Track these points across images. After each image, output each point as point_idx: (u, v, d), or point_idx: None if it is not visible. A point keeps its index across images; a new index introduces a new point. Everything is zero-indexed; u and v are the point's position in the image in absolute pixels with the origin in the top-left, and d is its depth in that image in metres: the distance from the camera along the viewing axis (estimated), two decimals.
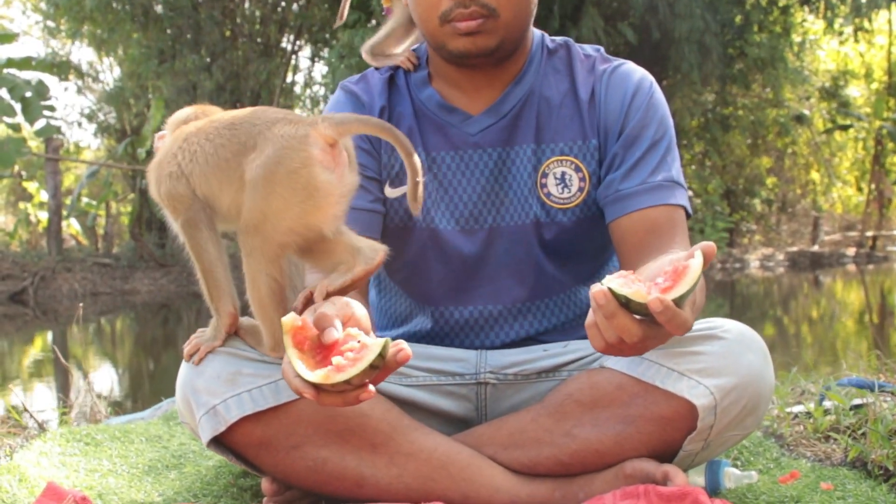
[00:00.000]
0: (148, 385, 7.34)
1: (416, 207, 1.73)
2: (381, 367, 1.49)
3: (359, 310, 1.63)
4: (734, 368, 1.77)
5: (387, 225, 2.11)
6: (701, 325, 1.82)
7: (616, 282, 1.50)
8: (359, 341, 1.52)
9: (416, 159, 1.69)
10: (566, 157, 2.06)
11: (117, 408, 3.75)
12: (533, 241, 2.08)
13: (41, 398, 6.36)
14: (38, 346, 9.67)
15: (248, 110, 1.76)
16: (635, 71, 2.11)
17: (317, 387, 1.48)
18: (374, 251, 1.73)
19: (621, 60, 2.14)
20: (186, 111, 1.91)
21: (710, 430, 1.78)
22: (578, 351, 2.01)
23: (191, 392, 1.82)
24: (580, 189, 2.06)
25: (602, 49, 2.16)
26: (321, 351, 1.53)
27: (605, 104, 2.07)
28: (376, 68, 2.20)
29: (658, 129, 2.04)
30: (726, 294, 13.80)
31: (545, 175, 2.07)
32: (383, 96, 2.14)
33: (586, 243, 2.12)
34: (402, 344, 1.52)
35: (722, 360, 1.77)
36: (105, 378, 7.74)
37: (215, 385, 1.80)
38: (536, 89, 2.10)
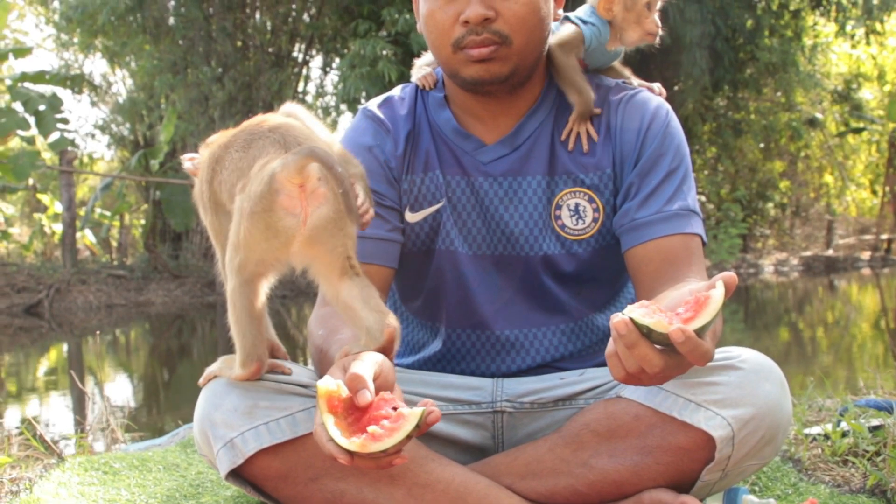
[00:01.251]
0: (164, 395, 7.36)
1: (353, 218, 1.64)
2: (414, 435, 1.50)
3: (386, 365, 1.63)
4: (751, 399, 1.76)
5: (409, 250, 2.12)
6: (717, 354, 1.81)
7: (637, 312, 1.49)
8: (394, 408, 1.53)
9: (339, 173, 1.60)
10: (579, 188, 2.07)
11: (133, 422, 3.75)
12: (547, 271, 2.09)
13: (57, 412, 6.38)
14: (54, 358, 9.70)
15: (267, 127, 1.74)
16: (651, 99, 2.11)
17: (350, 451, 1.48)
18: (380, 330, 1.70)
19: (638, 89, 2.14)
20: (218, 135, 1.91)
21: (728, 460, 1.78)
22: (595, 379, 2.01)
23: (208, 425, 1.82)
24: (594, 220, 2.06)
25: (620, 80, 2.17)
26: (353, 412, 1.53)
27: (621, 133, 2.07)
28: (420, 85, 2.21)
29: (674, 157, 2.04)
30: (741, 300, 13.74)
31: (559, 207, 2.07)
32: (409, 121, 2.15)
33: (602, 271, 2.12)
34: (432, 405, 1.53)
35: (739, 391, 1.77)
36: (121, 390, 7.76)
37: (232, 418, 1.80)
38: (551, 120, 2.10)
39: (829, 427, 2.54)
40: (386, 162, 2.11)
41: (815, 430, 2.60)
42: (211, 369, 1.88)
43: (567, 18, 2.15)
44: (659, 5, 2.11)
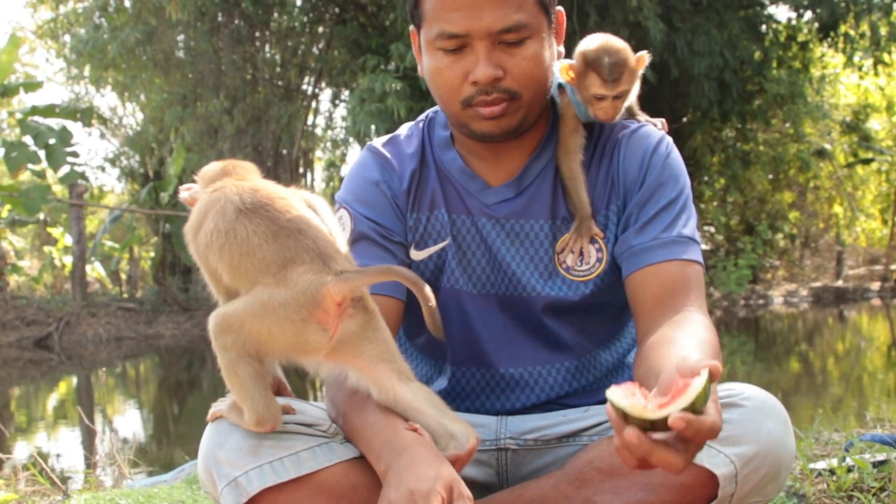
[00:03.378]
0: (173, 428, 7.36)
1: (436, 330, 1.72)
2: None
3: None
4: (754, 436, 1.76)
5: None
6: (720, 392, 1.80)
7: (633, 405, 1.42)
8: None
9: (427, 290, 1.68)
10: None
11: (142, 455, 3.75)
12: (552, 311, 2.09)
13: (67, 445, 6.38)
14: (64, 391, 9.71)
15: (295, 225, 1.71)
16: (653, 133, 2.12)
17: None
18: (466, 439, 1.72)
19: (642, 123, 2.15)
20: (218, 165, 1.89)
21: (731, 497, 1.77)
22: (598, 416, 2.01)
23: (213, 464, 1.82)
24: (598, 260, 2.07)
25: None
26: None
27: (625, 167, 2.08)
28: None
29: (673, 187, 2.05)
30: (750, 331, 13.72)
31: (562, 250, 2.08)
32: (415, 160, 2.16)
33: (605, 307, 2.13)
34: None
35: (742, 428, 1.76)
36: (130, 423, 7.76)
37: (237, 457, 1.80)
38: (555, 162, 2.11)
39: (834, 462, 2.54)
40: (393, 197, 2.13)
41: (821, 464, 2.60)
42: (218, 409, 1.87)
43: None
44: (607, 102, 2.04)
